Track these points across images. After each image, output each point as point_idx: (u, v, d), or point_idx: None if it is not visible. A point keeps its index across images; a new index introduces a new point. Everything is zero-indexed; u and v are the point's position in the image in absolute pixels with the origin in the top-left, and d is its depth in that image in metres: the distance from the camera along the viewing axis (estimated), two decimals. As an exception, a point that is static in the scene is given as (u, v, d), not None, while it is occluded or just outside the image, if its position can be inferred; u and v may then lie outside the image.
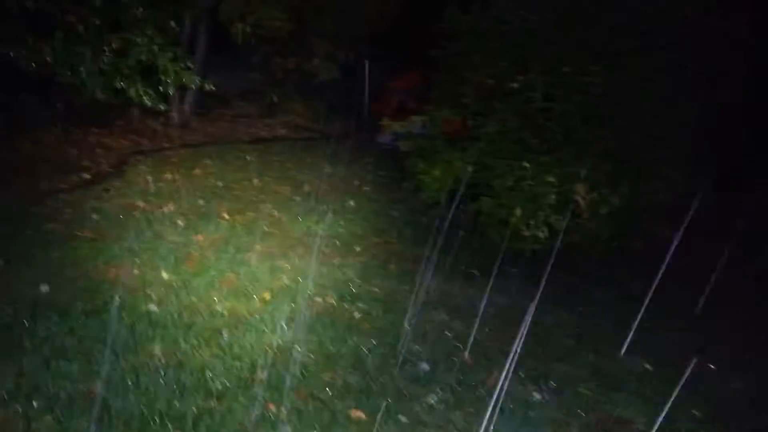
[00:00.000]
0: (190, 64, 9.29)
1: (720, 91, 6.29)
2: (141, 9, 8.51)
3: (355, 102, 16.81)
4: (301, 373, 3.47)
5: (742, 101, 6.48)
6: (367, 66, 13.25)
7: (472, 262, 5.79)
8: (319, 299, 4.66)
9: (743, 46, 6.20)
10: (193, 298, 4.39)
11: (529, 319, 4.68)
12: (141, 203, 6.72)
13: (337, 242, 6.24)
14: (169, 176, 8.00)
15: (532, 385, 3.77)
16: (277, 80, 15.03)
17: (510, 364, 3.81)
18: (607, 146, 5.97)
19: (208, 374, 3.36)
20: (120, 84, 8.88)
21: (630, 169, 6.08)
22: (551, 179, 6.18)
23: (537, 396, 3.68)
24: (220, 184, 8.00)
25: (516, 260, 5.87)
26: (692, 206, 6.41)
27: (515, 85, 6.63)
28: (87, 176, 7.58)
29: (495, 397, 2.72)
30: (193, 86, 9.36)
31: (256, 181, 8.39)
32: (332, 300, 4.68)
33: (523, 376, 3.80)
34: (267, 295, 4.57)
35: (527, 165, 6.33)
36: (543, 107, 6.12)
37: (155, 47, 8.89)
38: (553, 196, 6.27)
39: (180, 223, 6.20)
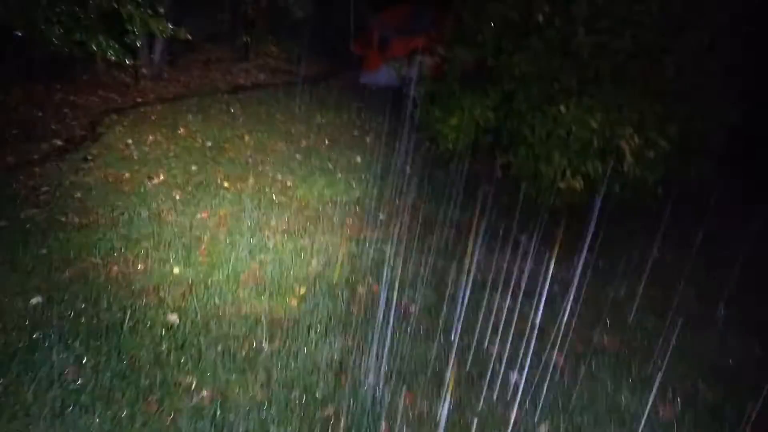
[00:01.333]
0: (158, 10, 8.20)
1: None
2: (97, -52, 7.38)
3: (334, 40, 15.73)
4: (379, 405, 2.83)
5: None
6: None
7: (513, 225, 5.15)
8: (362, 289, 3.99)
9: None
10: (218, 300, 3.69)
11: (604, 297, 4.14)
12: (127, 174, 5.89)
13: (357, 209, 5.54)
14: (151, 138, 7.12)
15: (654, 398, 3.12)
16: (249, 21, 13.87)
17: (614, 369, 3.25)
18: (657, 85, 5.27)
19: (265, 415, 2.70)
20: (80, 36, 7.82)
21: (681, 109, 5.41)
22: (594, 124, 5.47)
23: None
24: (209, 144, 7.15)
25: (559, 218, 5.26)
26: (743, 148, 5.84)
27: (541, 18, 5.86)
28: (59, 142, 6.67)
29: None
30: (165, 36, 8.27)
31: (247, 138, 7.55)
32: (377, 289, 4.00)
33: (634, 381, 3.18)
34: (302, 290, 3.89)
35: (564, 109, 5.60)
36: (588, 42, 5.34)
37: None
38: (596, 143, 5.60)
39: (177, 197, 5.42)
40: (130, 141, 6.91)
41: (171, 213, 5.02)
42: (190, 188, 5.62)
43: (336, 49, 15.25)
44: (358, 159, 7.08)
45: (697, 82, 5.38)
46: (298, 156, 7.01)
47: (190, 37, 8.33)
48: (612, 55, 5.32)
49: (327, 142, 7.72)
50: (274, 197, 5.57)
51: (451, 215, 5.41)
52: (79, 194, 5.27)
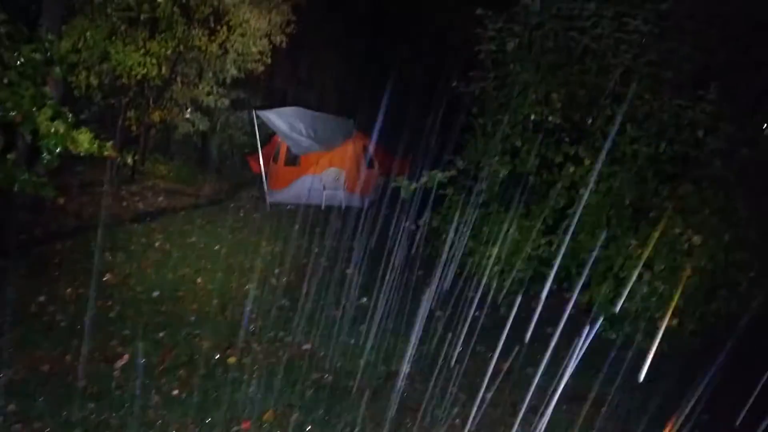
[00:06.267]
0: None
1: None
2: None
3: (227, 157, 14.17)
4: None
5: None
6: (253, 114, 10.68)
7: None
8: None
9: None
10: None
11: None
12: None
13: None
14: (69, 291, 4.98)
15: None
16: (132, 137, 11.91)
17: None
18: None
19: None
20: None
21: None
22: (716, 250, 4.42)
23: None
24: (171, 295, 5.17)
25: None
26: None
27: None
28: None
29: None
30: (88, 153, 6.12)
31: (203, 279, 5.63)
32: None
33: None
34: None
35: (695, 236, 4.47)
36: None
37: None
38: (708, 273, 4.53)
39: None
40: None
41: None
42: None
43: (230, 167, 13.65)
44: (365, 300, 5.42)
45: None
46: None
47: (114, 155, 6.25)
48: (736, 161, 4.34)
49: (306, 289, 5.95)
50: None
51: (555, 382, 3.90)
52: None
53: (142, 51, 9.84)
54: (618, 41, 4.81)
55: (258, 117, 10.32)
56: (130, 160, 11.15)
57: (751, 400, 3.57)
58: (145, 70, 9.91)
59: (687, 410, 3.71)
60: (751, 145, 4.24)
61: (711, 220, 4.41)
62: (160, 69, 10.21)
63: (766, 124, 4.27)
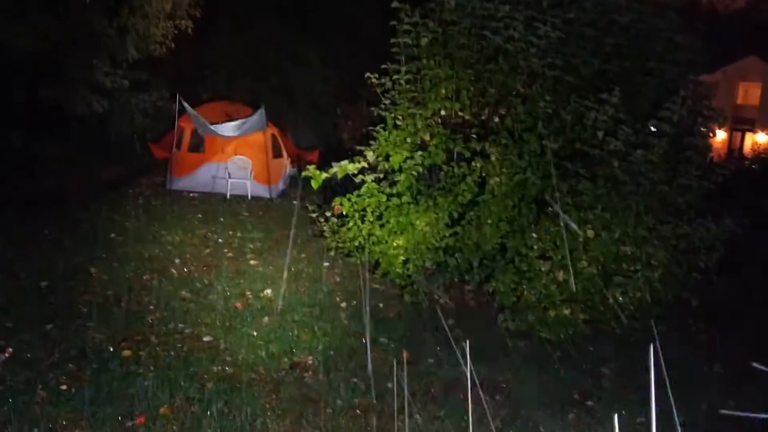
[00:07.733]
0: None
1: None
2: None
3: (126, 141, 13.42)
4: None
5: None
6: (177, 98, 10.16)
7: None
8: None
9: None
10: None
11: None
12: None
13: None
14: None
15: None
16: (21, 116, 11.11)
17: None
18: (673, 196, 4.64)
19: None
20: None
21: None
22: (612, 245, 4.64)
23: None
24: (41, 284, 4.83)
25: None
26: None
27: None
28: None
29: None
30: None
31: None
32: None
33: None
34: None
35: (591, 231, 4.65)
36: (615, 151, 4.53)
37: None
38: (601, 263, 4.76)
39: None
40: None
41: None
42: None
43: (130, 152, 12.92)
44: (269, 292, 5.31)
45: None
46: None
47: None
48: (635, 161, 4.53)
49: (208, 280, 5.80)
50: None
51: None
52: None
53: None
54: (528, 44, 4.93)
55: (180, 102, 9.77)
56: (18, 141, 10.43)
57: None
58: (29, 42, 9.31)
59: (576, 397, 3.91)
60: (645, 147, 4.47)
61: (604, 215, 4.62)
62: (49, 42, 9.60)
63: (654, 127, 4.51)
